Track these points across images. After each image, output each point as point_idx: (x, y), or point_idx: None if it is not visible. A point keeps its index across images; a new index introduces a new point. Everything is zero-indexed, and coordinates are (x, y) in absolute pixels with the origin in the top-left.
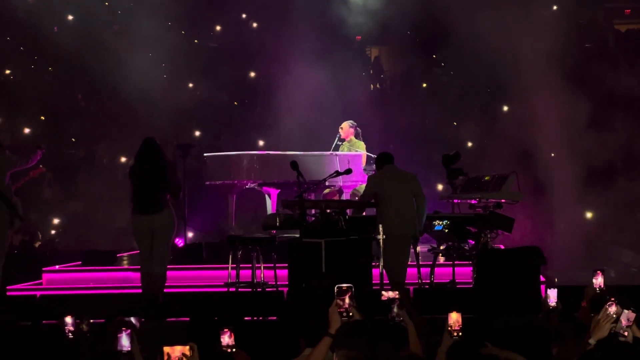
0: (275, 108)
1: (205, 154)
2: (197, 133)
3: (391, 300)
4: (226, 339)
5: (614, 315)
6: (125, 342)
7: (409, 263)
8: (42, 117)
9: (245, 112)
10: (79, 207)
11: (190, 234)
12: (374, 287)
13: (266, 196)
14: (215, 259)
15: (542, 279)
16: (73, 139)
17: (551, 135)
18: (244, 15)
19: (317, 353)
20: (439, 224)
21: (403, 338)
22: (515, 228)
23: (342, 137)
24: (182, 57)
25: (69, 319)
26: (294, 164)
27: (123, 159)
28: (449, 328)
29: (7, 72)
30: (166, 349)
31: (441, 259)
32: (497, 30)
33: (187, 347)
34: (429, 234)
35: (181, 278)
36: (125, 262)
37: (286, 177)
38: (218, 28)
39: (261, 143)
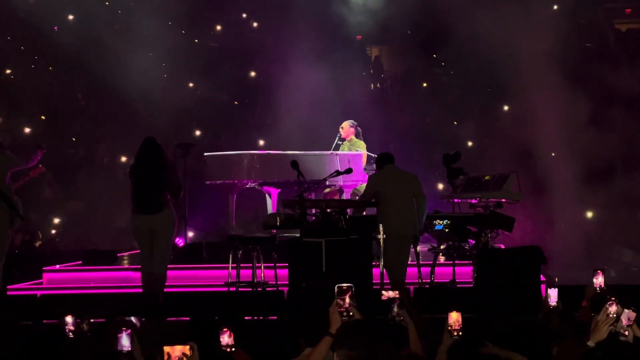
0: (276, 108)
1: (205, 154)
2: (198, 133)
3: (391, 300)
4: (225, 339)
5: (613, 316)
6: (125, 341)
7: (409, 262)
8: (43, 117)
9: (245, 111)
10: (80, 206)
11: (190, 234)
12: (374, 287)
13: (266, 196)
14: (215, 258)
15: (542, 278)
16: (73, 139)
17: (551, 134)
18: (244, 15)
19: (318, 353)
20: (439, 223)
21: (403, 337)
22: (515, 228)
23: (342, 136)
24: (182, 57)
25: (69, 319)
26: (295, 163)
27: (123, 159)
28: (449, 327)
29: (8, 71)
30: (166, 349)
31: (441, 259)
32: (498, 30)
33: (187, 347)
34: (429, 234)
35: (181, 278)
36: (125, 261)
37: (286, 176)
38: (218, 28)
39: (261, 143)
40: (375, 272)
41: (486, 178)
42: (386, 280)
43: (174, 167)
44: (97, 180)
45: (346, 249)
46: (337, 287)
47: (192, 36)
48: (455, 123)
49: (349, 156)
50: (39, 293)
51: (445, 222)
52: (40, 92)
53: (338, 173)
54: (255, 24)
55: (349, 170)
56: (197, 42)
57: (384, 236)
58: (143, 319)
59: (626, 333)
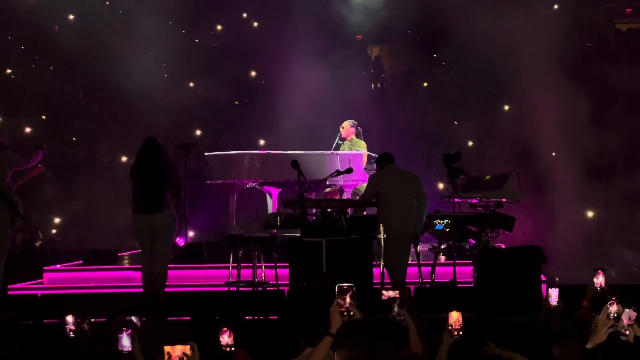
0: (276, 107)
1: (206, 154)
2: (198, 132)
3: (392, 300)
4: (225, 339)
5: (612, 317)
6: (126, 341)
7: (409, 262)
8: (43, 117)
9: (246, 111)
10: (80, 206)
11: (191, 233)
12: (374, 287)
13: (267, 195)
14: (216, 258)
15: (543, 278)
16: (74, 138)
17: (552, 134)
18: (244, 15)
19: (318, 352)
20: (439, 223)
21: (404, 337)
22: (516, 227)
23: (343, 136)
24: (183, 57)
25: (70, 318)
26: (295, 163)
27: (124, 158)
28: (450, 327)
29: (8, 71)
30: (167, 348)
31: (442, 258)
32: (498, 30)
33: (188, 347)
34: (429, 233)
35: (182, 277)
36: (126, 261)
37: (287, 176)
38: (219, 27)
39: (262, 142)
40: (376, 271)
41: (486, 178)
42: (386, 280)
43: (175, 167)
44: (97, 179)
45: (347, 249)
46: (338, 287)
47: (192, 36)
48: (455, 123)
49: (350, 156)
50: (39, 293)
51: (445, 221)
52: (40, 92)
53: (338, 173)
54: (255, 24)
55: (349, 170)
56: (198, 41)
57: (385, 236)
58: (144, 319)
59: (627, 333)
